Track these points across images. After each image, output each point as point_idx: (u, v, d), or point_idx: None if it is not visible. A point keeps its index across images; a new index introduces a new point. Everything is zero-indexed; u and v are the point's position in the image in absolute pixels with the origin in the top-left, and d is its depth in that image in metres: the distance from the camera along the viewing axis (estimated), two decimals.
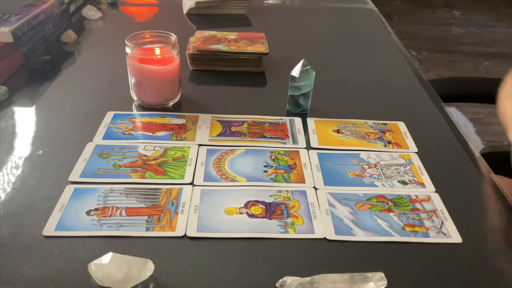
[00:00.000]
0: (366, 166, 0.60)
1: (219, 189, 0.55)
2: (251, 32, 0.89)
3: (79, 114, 0.69)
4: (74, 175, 0.55)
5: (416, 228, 0.50)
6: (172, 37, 0.69)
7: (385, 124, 0.69)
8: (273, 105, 0.72)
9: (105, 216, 0.50)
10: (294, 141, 0.64)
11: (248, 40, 0.84)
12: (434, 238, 0.49)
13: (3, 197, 0.52)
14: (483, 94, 1.02)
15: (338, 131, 0.66)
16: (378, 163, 0.60)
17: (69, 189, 0.53)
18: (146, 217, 0.50)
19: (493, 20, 3.13)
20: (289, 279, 0.42)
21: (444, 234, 0.49)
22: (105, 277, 0.41)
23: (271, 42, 0.86)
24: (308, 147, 0.63)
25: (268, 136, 0.65)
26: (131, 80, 0.69)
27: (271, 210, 0.52)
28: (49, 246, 0.46)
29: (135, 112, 0.69)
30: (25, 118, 0.67)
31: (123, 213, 0.50)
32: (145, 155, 0.60)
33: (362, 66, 0.89)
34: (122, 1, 1.18)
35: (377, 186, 0.56)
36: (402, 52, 0.95)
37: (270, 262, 0.45)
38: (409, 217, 0.51)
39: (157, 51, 0.67)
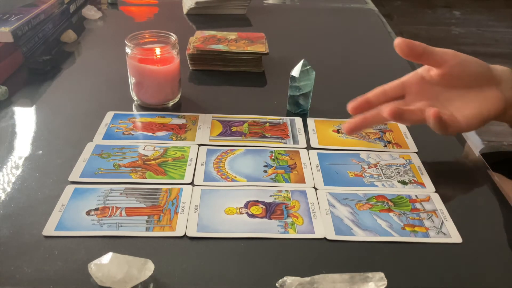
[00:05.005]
0: (366, 166, 0.60)
1: (219, 189, 0.55)
2: (251, 32, 0.89)
3: (79, 114, 0.69)
4: (74, 175, 0.55)
5: (416, 228, 0.50)
6: (172, 37, 0.69)
7: (385, 124, 0.69)
8: (273, 105, 0.72)
9: (105, 216, 0.50)
10: (295, 141, 0.64)
11: (248, 40, 0.84)
12: (434, 238, 0.49)
13: (3, 197, 0.52)
14: None
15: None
16: (378, 163, 0.60)
17: (69, 189, 0.53)
18: (146, 217, 0.50)
19: (493, 20, 3.14)
20: (289, 279, 0.42)
21: (444, 234, 0.49)
22: (105, 277, 0.41)
23: (271, 42, 0.86)
24: (308, 147, 0.63)
25: (269, 136, 0.65)
26: (131, 80, 0.70)
27: (271, 210, 0.52)
28: (49, 246, 0.46)
29: (135, 112, 0.69)
30: (25, 118, 0.67)
31: (123, 213, 0.50)
32: (145, 155, 0.60)
33: (362, 66, 0.89)
34: (122, 1, 1.18)
35: (377, 186, 0.56)
36: None
37: (270, 262, 0.45)
38: (409, 217, 0.51)
39: (157, 51, 0.67)
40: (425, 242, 0.48)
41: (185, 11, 1.11)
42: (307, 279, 0.42)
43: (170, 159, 0.59)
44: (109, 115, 0.68)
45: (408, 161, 0.61)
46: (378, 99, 0.59)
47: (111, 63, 0.84)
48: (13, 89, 0.73)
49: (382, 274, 0.42)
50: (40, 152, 0.60)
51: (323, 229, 0.49)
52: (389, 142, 0.65)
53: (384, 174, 0.58)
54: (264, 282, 0.43)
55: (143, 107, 0.70)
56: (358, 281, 0.42)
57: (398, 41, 0.54)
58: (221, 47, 0.81)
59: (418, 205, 0.53)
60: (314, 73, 0.68)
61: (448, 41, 2.80)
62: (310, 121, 0.69)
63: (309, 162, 0.60)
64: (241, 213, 0.51)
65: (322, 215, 0.51)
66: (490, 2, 3.38)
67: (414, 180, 0.57)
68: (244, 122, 0.68)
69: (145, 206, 0.51)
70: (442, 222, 0.51)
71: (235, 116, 0.69)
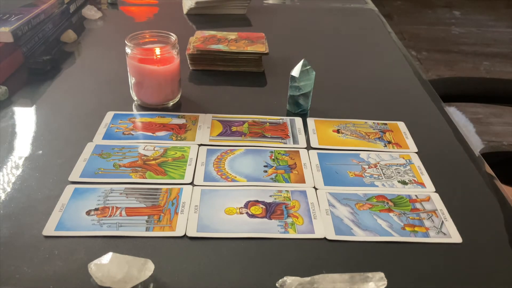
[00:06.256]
0: (366, 166, 0.60)
1: (219, 189, 0.55)
2: (251, 32, 0.89)
3: (79, 114, 0.69)
4: (74, 175, 0.55)
5: (416, 228, 0.50)
6: (172, 37, 0.69)
7: (385, 124, 0.69)
8: (273, 105, 0.72)
9: (105, 216, 0.50)
10: (295, 141, 0.64)
11: (248, 40, 0.84)
12: (434, 238, 0.49)
13: (3, 197, 0.52)
14: (483, 94, 1.02)
15: (338, 131, 0.66)
16: (378, 163, 0.60)
17: (69, 189, 0.53)
18: (146, 217, 0.50)
19: (493, 20, 3.13)
20: (289, 279, 0.42)
21: (444, 234, 0.49)
22: (105, 277, 0.41)
23: (271, 42, 0.86)
24: (308, 147, 0.63)
25: (269, 136, 0.65)
26: (131, 80, 0.70)
27: (271, 210, 0.52)
28: (49, 246, 0.46)
29: (135, 112, 0.69)
30: (25, 118, 0.67)
31: (123, 213, 0.50)
32: (145, 155, 0.60)
33: (362, 66, 0.89)
34: (122, 1, 1.18)
35: (377, 186, 0.56)
36: (402, 52, 0.95)
37: (270, 262, 0.45)
38: (409, 217, 0.51)
39: (157, 51, 0.67)
40: (425, 242, 0.48)
41: (185, 11, 1.11)
42: (307, 279, 0.42)
43: (170, 159, 0.59)
44: (109, 115, 0.68)
45: (408, 161, 0.61)
46: None
47: (111, 63, 0.84)
48: (13, 89, 0.73)
49: (382, 274, 0.42)
50: (40, 152, 0.60)
51: (323, 229, 0.49)
52: (389, 142, 0.65)
53: (384, 174, 0.58)
54: (264, 282, 0.43)
55: (143, 107, 0.70)
56: (358, 281, 0.42)
57: None
58: (221, 47, 0.81)
59: (418, 205, 0.53)
60: (314, 73, 0.68)
61: (448, 41, 2.80)
62: (310, 121, 0.69)
63: (309, 162, 0.60)
64: (241, 213, 0.51)
65: (322, 215, 0.51)
66: (490, 2, 3.38)
67: (414, 180, 0.57)
68: (244, 122, 0.68)
69: (145, 206, 0.51)
70: (442, 222, 0.51)
71: (235, 116, 0.69)
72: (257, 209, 0.52)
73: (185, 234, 0.48)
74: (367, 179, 0.57)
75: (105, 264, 0.42)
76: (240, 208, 0.52)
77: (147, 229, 0.48)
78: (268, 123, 0.68)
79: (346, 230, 0.49)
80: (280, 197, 0.54)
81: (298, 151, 0.62)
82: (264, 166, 0.59)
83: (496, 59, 2.56)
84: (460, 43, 2.77)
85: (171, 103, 0.71)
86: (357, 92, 0.79)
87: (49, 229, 0.48)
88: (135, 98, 0.71)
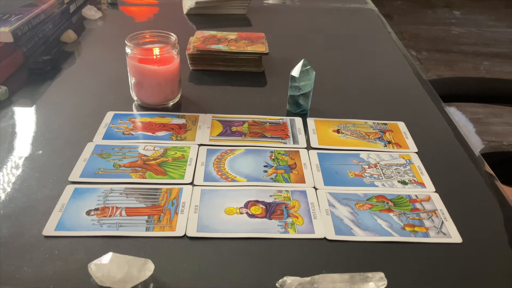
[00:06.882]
0: (366, 166, 0.60)
1: (219, 189, 0.55)
2: (251, 32, 0.89)
3: (79, 114, 0.69)
4: (74, 175, 0.55)
5: (416, 228, 0.50)
6: (172, 37, 0.69)
7: (385, 124, 0.69)
8: (273, 105, 0.72)
9: (105, 216, 0.50)
10: (295, 141, 0.64)
11: (248, 40, 0.84)
12: (434, 238, 0.49)
13: (3, 197, 0.52)
14: (483, 94, 1.02)
15: (338, 131, 0.66)
16: (378, 163, 0.60)
17: (69, 189, 0.53)
18: (146, 217, 0.50)
19: (493, 20, 3.13)
20: (289, 279, 0.42)
21: (444, 234, 0.49)
22: (105, 277, 0.41)
23: (271, 42, 0.86)
24: (308, 147, 0.63)
25: (269, 136, 0.65)
26: (131, 80, 0.70)
27: (271, 210, 0.52)
28: (49, 246, 0.46)
29: (135, 112, 0.69)
30: (25, 118, 0.67)
31: (123, 213, 0.50)
32: (145, 155, 0.60)
33: (362, 66, 0.89)
34: (122, 1, 1.18)
35: (377, 186, 0.56)
36: (402, 52, 0.95)
37: (270, 262, 0.45)
38: (409, 217, 0.51)
39: (157, 51, 0.67)
40: (425, 242, 0.48)
41: (185, 11, 1.11)
42: (307, 279, 0.42)
43: (170, 159, 0.59)
44: (109, 115, 0.68)
45: (408, 161, 0.61)
46: None
47: (111, 63, 0.84)
48: (13, 89, 0.73)
49: (382, 274, 0.42)
50: (40, 152, 0.60)
51: (323, 229, 0.49)
52: (389, 142, 0.65)
53: (384, 174, 0.58)
54: (264, 282, 0.43)
55: (143, 107, 0.70)
56: (358, 281, 0.42)
57: None
58: (221, 47, 0.81)
59: (418, 205, 0.53)
60: (314, 73, 0.68)
61: (448, 41, 2.80)
62: (310, 121, 0.69)
63: (309, 162, 0.60)
64: (241, 213, 0.51)
65: (322, 215, 0.51)
66: (490, 2, 3.38)
67: (414, 180, 0.57)
68: (244, 122, 0.68)
69: (145, 206, 0.51)
70: (442, 222, 0.51)
71: (235, 116, 0.69)
72: (257, 209, 0.52)
73: (185, 234, 0.48)
74: (367, 179, 0.57)
75: (105, 264, 0.42)
76: (240, 208, 0.52)
77: (147, 229, 0.48)
78: (268, 123, 0.68)
79: (346, 230, 0.49)
80: (280, 197, 0.54)
81: (298, 151, 0.62)
82: (264, 166, 0.59)
83: (496, 59, 2.56)
84: (460, 43, 2.77)
85: (171, 103, 0.71)
86: (357, 92, 0.79)
87: (49, 229, 0.48)
88: (135, 98, 0.71)
